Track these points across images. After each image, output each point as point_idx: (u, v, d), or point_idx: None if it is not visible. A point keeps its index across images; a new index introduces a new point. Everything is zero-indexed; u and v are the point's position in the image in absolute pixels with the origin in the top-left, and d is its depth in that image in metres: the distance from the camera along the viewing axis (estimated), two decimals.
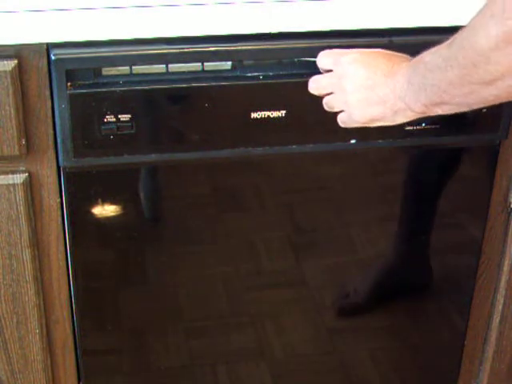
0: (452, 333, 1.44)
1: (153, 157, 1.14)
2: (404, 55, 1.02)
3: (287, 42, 1.10)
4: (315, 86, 1.07)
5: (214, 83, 1.10)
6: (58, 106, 1.08)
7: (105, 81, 1.08)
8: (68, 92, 1.06)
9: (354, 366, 1.43)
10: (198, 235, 1.24)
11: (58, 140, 1.10)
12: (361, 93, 1.01)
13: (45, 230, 1.17)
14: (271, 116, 1.13)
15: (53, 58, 1.05)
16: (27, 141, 1.10)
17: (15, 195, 1.13)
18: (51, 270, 1.21)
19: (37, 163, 1.12)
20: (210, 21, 1.06)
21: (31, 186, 1.13)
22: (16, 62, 1.04)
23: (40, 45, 1.05)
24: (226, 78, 1.11)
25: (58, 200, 1.15)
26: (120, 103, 1.08)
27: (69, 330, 1.26)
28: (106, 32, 1.05)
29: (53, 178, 1.14)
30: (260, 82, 1.11)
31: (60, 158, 1.12)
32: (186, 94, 1.11)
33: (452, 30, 1.11)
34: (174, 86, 1.10)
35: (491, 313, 1.41)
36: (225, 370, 1.37)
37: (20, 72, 1.05)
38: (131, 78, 1.08)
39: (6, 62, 1.04)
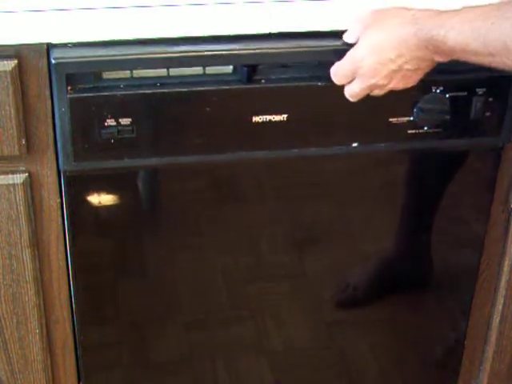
0: (453, 331, 1.44)
1: (154, 160, 1.14)
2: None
3: (289, 45, 1.10)
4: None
5: (215, 87, 1.10)
6: (58, 109, 1.07)
7: (105, 84, 1.07)
8: (68, 96, 1.06)
9: (353, 360, 1.43)
10: (197, 230, 1.24)
11: (59, 144, 1.10)
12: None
13: (45, 229, 1.17)
14: (273, 120, 1.12)
15: (53, 61, 1.04)
16: (27, 141, 1.10)
17: (15, 195, 1.13)
18: (51, 270, 1.20)
19: (37, 163, 1.12)
20: (210, 21, 1.06)
21: (31, 186, 1.13)
22: (16, 62, 1.04)
23: (40, 45, 1.05)
24: (227, 82, 1.10)
25: (58, 200, 1.15)
26: (121, 107, 1.08)
27: (69, 330, 1.26)
28: (106, 32, 1.04)
29: (53, 178, 1.14)
30: (262, 85, 1.11)
31: (60, 162, 1.12)
32: (187, 98, 1.10)
33: None
34: (175, 90, 1.09)
35: (491, 313, 1.41)
36: (224, 364, 1.37)
37: (20, 72, 1.05)
38: (132, 81, 1.08)
39: (5, 62, 1.04)
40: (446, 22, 0.97)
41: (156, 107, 1.10)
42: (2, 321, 1.22)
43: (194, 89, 1.09)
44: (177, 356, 1.34)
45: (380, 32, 1.03)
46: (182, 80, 1.09)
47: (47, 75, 1.07)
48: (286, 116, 1.12)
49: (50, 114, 1.09)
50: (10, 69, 1.04)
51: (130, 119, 1.08)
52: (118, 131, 1.09)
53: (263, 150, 1.16)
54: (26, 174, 1.12)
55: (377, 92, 1.07)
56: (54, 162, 1.12)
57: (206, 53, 1.08)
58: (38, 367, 1.27)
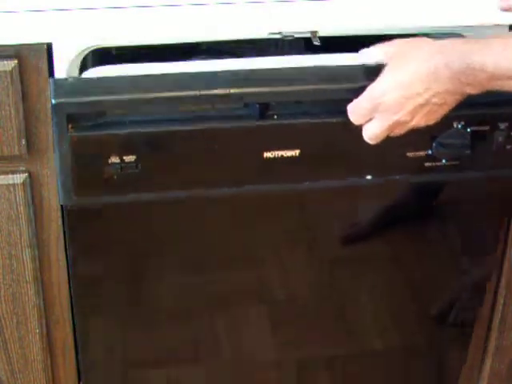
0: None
1: (159, 195, 1.10)
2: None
3: (304, 81, 1.06)
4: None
5: (225, 124, 1.05)
6: (58, 147, 1.04)
7: (109, 120, 1.03)
8: (69, 134, 1.02)
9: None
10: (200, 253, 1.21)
11: (59, 179, 1.07)
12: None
13: (45, 229, 1.17)
14: (285, 155, 1.08)
15: (53, 101, 1.01)
16: (27, 141, 1.09)
17: (15, 195, 1.12)
18: (51, 270, 1.20)
19: (37, 163, 1.12)
20: (211, 21, 1.06)
21: (31, 186, 1.13)
22: (16, 62, 1.04)
23: (40, 45, 1.04)
24: (238, 118, 1.06)
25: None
26: (125, 145, 1.04)
27: (69, 330, 1.26)
28: (106, 32, 1.04)
29: (53, 178, 1.13)
30: (274, 122, 1.07)
31: (60, 196, 1.09)
32: (194, 136, 1.06)
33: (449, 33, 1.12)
34: (182, 128, 1.04)
35: (491, 313, 1.41)
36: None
37: (20, 72, 1.05)
38: (137, 116, 1.04)
39: (5, 62, 1.03)
40: (482, 49, 0.92)
41: (162, 145, 1.05)
42: (2, 321, 1.22)
43: (203, 127, 1.05)
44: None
45: (406, 65, 0.97)
46: (190, 115, 1.05)
47: (47, 75, 1.06)
48: (298, 151, 1.09)
49: (49, 114, 1.09)
50: (10, 69, 1.04)
51: (134, 156, 1.04)
52: (122, 168, 1.05)
53: (273, 184, 1.12)
54: (26, 174, 1.12)
55: (397, 131, 1.01)
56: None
57: (215, 92, 1.02)
58: (37, 367, 1.27)
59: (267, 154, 1.08)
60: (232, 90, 1.03)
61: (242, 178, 1.11)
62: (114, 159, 1.04)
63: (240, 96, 1.04)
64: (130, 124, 1.04)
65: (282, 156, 1.09)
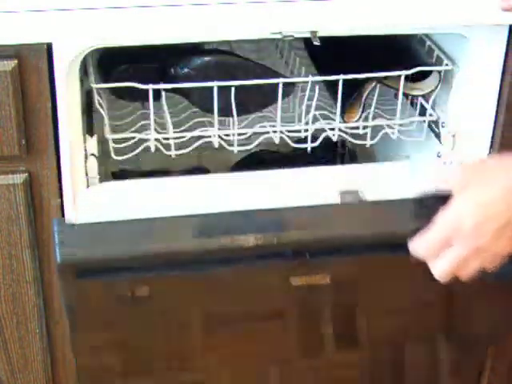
0: None
1: (172, 319, 1.04)
2: None
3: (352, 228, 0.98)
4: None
5: (251, 267, 0.97)
6: (64, 294, 0.98)
7: (117, 256, 0.96)
8: (77, 282, 0.97)
9: None
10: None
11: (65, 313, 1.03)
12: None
13: (45, 230, 1.17)
14: (315, 283, 1.00)
15: (59, 260, 0.95)
16: (27, 141, 1.09)
17: (15, 195, 1.12)
18: (51, 270, 1.20)
19: (37, 163, 1.12)
20: (212, 21, 1.06)
21: (31, 186, 1.13)
22: (16, 62, 1.04)
23: (40, 45, 1.04)
24: (267, 257, 0.96)
25: (58, 200, 1.15)
26: (136, 280, 0.97)
27: (69, 330, 1.26)
28: (106, 32, 1.04)
29: (53, 178, 1.13)
30: (306, 260, 0.99)
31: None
32: (215, 275, 0.98)
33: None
34: (200, 268, 0.96)
35: None
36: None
37: (20, 72, 1.05)
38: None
39: (5, 62, 1.03)
40: None
41: (178, 280, 0.98)
42: (2, 321, 1.22)
43: (224, 269, 0.96)
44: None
45: (482, 185, 0.85)
46: (208, 249, 0.96)
47: (47, 75, 1.06)
48: (329, 277, 1.01)
49: (49, 114, 1.09)
50: (10, 69, 1.04)
51: (147, 287, 0.97)
52: (133, 299, 0.98)
53: (302, 312, 1.05)
54: (26, 174, 1.12)
55: (472, 264, 0.86)
56: (54, 162, 1.12)
57: (244, 244, 0.93)
58: (37, 367, 1.27)
59: (295, 281, 1.00)
60: (265, 242, 0.94)
61: (267, 307, 1.05)
62: (125, 294, 0.98)
63: (275, 247, 0.96)
64: (141, 264, 0.96)
65: (311, 283, 1.01)
